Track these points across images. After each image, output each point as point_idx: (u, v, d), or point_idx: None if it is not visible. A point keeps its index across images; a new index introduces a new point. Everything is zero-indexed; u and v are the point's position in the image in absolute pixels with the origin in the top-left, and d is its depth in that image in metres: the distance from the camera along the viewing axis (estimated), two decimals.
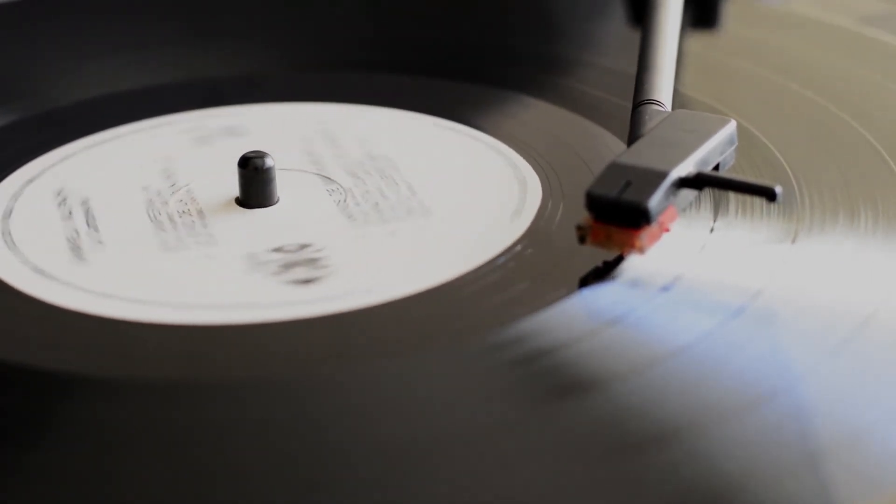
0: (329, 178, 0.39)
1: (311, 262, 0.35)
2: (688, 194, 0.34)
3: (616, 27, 0.50)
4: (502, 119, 0.43)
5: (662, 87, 0.39)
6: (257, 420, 0.30)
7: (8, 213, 0.38)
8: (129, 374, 0.31)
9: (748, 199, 0.37)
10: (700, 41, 0.49)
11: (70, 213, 0.38)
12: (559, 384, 0.30)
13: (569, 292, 0.33)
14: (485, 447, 0.28)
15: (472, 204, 0.38)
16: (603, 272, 0.34)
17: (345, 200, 0.38)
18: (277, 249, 0.36)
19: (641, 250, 0.33)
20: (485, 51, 0.48)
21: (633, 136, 0.36)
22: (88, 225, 0.37)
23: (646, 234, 0.33)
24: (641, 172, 0.33)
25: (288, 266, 0.35)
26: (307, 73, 0.47)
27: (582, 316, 0.32)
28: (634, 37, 0.43)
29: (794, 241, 0.35)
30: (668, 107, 0.38)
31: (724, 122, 0.36)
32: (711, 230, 0.35)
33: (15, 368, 0.32)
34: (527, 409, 0.30)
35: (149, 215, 0.38)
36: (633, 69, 0.43)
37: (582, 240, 0.33)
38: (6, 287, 0.35)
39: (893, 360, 0.31)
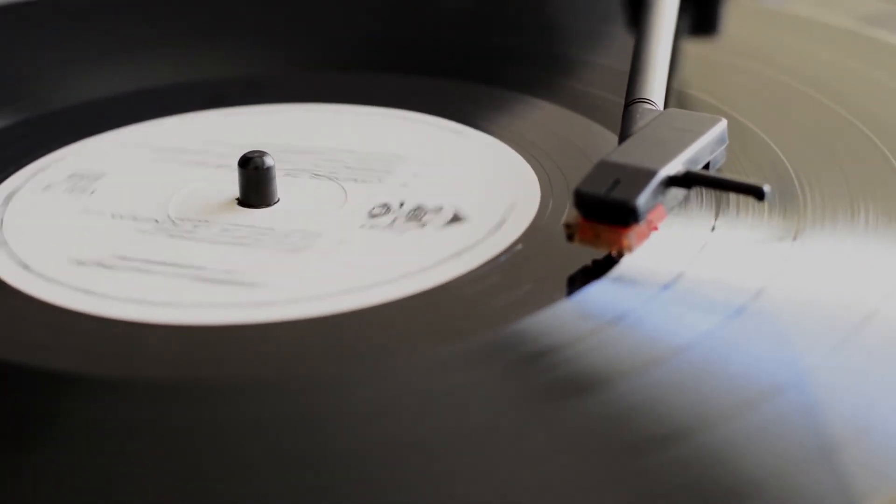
0: (328, 178, 0.39)
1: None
2: (677, 193, 0.34)
3: (618, 27, 0.50)
4: (503, 118, 0.43)
5: (655, 87, 0.39)
6: (257, 420, 0.30)
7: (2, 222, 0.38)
8: (131, 374, 0.31)
9: (749, 198, 0.37)
10: (699, 41, 0.49)
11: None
12: (560, 384, 0.30)
13: (569, 291, 0.33)
14: (485, 447, 0.28)
15: (471, 203, 0.38)
16: (592, 271, 0.34)
17: (345, 199, 0.38)
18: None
19: (629, 249, 0.33)
20: (485, 51, 0.48)
21: (623, 135, 0.36)
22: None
23: (634, 232, 0.33)
24: (630, 171, 0.33)
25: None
26: (307, 74, 0.47)
27: (583, 315, 0.32)
28: (634, 37, 0.43)
29: (795, 239, 0.35)
30: (660, 106, 0.38)
31: (714, 122, 0.36)
32: (713, 229, 0.35)
33: (15, 369, 0.31)
34: (528, 409, 0.30)
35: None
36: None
37: (570, 238, 0.33)
38: (5, 287, 0.35)
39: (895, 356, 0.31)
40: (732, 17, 0.50)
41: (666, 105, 0.39)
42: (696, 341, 0.31)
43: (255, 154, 0.38)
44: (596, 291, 0.33)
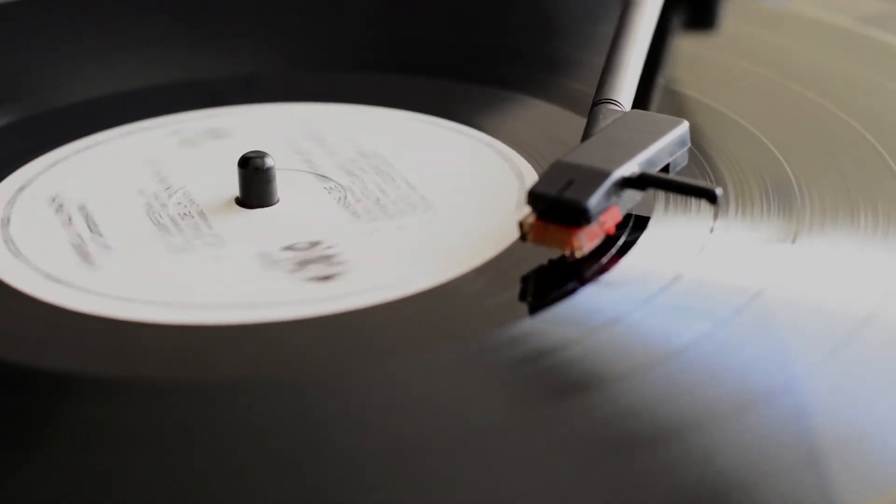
0: (326, 177, 0.39)
1: (326, 259, 0.35)
2: (633, 194, 0.35)
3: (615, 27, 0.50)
4: (501, 118, 0.43)
5: (623, 88, 0.39)
6: (257, 420, 0.30)
7: (6, 221, 0.38)
8: (130, 374, 0.31)
9: (748, 198, 0.37)
10: (699, 41, 0.49)
11: (70, 218, 0.38)
12: (560, 384, 0.30)
13: (569, 292, 0.33)
14: (481, 448, 0.28)
15: (471, 204, 0.38)
16: (548, 272, 0.34)
17: (345, 199, 0.38)
18: (289, 248, 0.36)
19: (580, 250, 0.33)
20: (483, 50, 0.48)
21: (585, 136, 0.36)
22: (91, 230, 0.37)
23: (584, 233, 0.33)
24: (584, 171, 0.34)
25: (303, 264, 0.35)
26: (306, 73, 0.47)
27: (582, 316, 0.32)
28: None
29: (793, 241, 0.35)
30: (627, 107, 0.38)
31: (675, 124, 0.36)
32: (711, 230, 0.35)
33: (15, 369, 0.32)
34: (527, 409, 0.30)
35: (150, 218, 0.38)
36: None
37: (523, 238, 0.33)
38: (11, 291, 0.35)
39: (893, 359, 0.31)
40: (731, 17, 0.50)
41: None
42: (694, 343, 0.31)
43: (255, 154, 0.38)
44: (594, 293, 0.33)
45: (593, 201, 0.33)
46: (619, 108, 0.37)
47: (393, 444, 0.29)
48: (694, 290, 0.33)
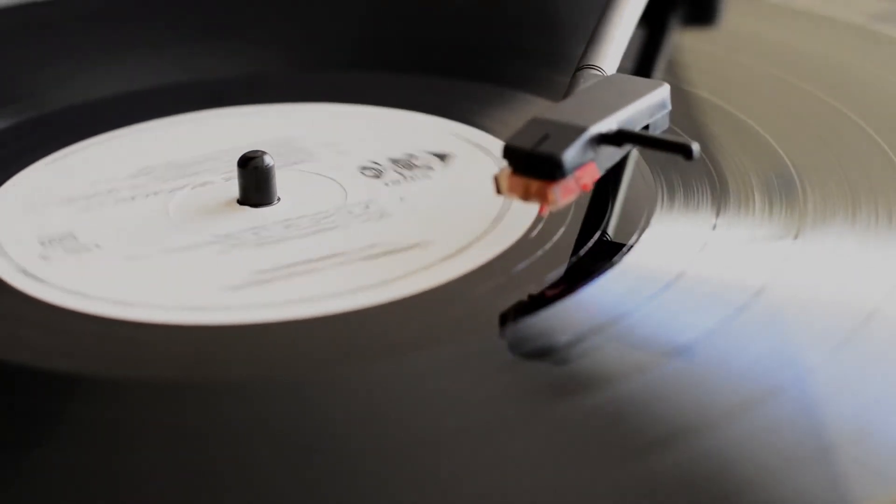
0: (325, 177, 0.39)
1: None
2: (612, 153, 0.34)
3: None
4: (502, 117, 0.43)
5: (608, 55, 0.39)
6: (257, 420, 0.30)
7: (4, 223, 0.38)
8: (130, 374, 0.31)
9: (750, 196, 0.37)
10: (701, 37, 0.49)
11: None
12: (560, 384, 0.30)
13: (570, 291, 0.33)
14: (484, 447, 0.28)
15: (471, 203, 0.38)
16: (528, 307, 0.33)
17: (345, 198, 0.38)
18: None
19: (554, 203, 0.33)
20: (484, 49, 0.48)
21: (565, 96, 0.36)
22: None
23: (559, 187, 0.33)
24: (560, 127, 0.33)
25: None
26: (304, 73, 0.47)
27: (584, 315, 0.32)
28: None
29: (796, 237, 0.35)
30: (611, 72, 0.38)
31: (656, 86, 0.36)
32: (713, 227, 0.35)
33: (15, 369, 0.31)
34: (526, 409, 0.30)
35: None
36: (634, 67, 0.44)
37: (498, 191, 0.33)
38: (4, 287, 0.35)
39: None
40: (734, 12, 0.50)
41: None
42: (696, 340, 0.31)
43: (255, 154, 0.38)
44: (596, 290, 0.33)
45: (569, 155, 0.33)
46: (601, 74, 0.37)
47: (393, 444, 0.29)
48: (696, 288, 0.33)
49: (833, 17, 0.48)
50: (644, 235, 0.35)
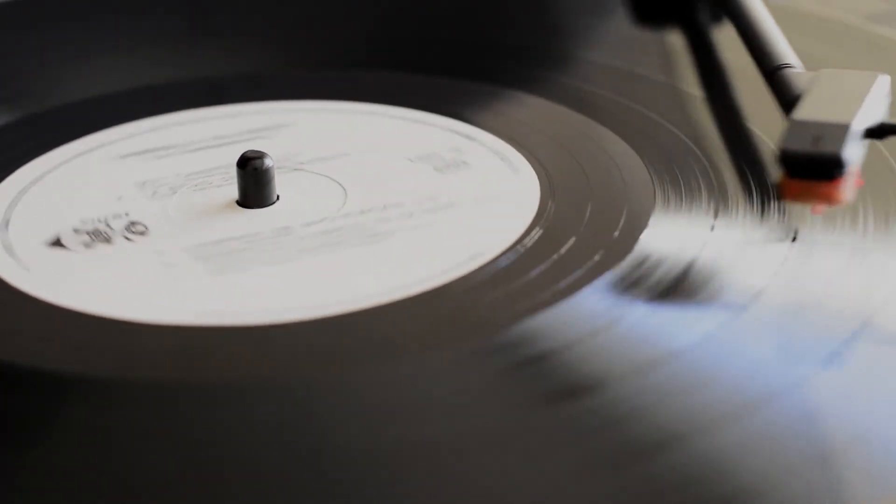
0: (325, 177, 0.39)
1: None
2: (859, 149, 0.35)
3: (616, 24, 0.49)
4: (501, 117, 0.43)
5: (787, 51, 0.39)
6: (257, 420, 0.30)
7: (5, 224, 0.38)
8: (130, 374, 0.31)
9: (749, 199, 0.37)
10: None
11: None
12: (558, 387, 0.30)
13: (569, 293, 0.33)
14: (482, 450, 0.28)
15: (470, 203, 0.38)
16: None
17: (345, 198, 0.38)
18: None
19: (844, 201, 0.33)
20: (484, 48, 0.48)
21: (785, 99, 0.37)
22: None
23: (844, 185, 0.33)
24: (824, 126, 0.34)
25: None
26: (303, 72, 0.47)
27: (583, 317, 0.32)
28: (634, 34, 0.43)
29: (794, 240, 0.35)
30: (801, 68, 0.38)
31: (873, 77, 0.36)
32: (712, 228, 0.35)
33: (15, 369, 0.32)
34: (524, 412, 0.30)
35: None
36: (634, 67, 0.43)
37: (781, 197, 0.34)
38: (6, 287, 0.35)
39: None
40: None
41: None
42: (694, 344, 0.31)
43: (254, 155, 0.38)
44: (594, 294, 0.33)
45: (846, 152, 0.33)
46: (798, 70, 0.38)
47: (393, 444, 0.29)
48: (695, 290, 0.33)
49: (832, 17, 0.48)
50: (642, 236, 0.35)
